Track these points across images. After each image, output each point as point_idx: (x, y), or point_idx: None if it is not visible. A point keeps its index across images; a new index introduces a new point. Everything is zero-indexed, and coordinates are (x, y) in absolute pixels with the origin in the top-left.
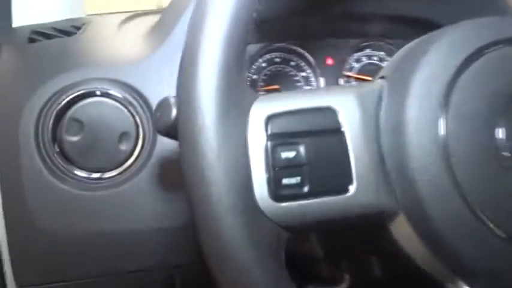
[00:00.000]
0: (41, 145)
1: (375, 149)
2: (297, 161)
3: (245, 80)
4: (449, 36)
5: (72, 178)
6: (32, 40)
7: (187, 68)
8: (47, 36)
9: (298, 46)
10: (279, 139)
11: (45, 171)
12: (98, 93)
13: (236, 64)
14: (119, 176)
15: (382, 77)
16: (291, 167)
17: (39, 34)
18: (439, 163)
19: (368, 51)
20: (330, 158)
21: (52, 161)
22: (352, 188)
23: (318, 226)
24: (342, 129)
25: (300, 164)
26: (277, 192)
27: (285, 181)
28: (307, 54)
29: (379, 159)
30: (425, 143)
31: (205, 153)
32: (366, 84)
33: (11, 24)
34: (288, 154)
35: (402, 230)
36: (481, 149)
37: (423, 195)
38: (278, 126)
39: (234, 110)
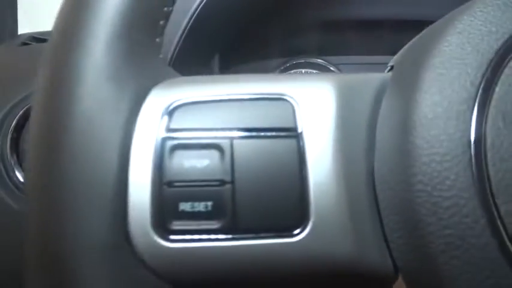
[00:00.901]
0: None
1: (357, 166)
2: (209, 174)
3: (148, 56)
4: (485, 8)
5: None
6: (24, 44)
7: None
8: (39, 41)
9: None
10: (183, 138)
11: None
12: None
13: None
14: None
15: (390, 68)
16: (197, 184)
17: (33, 39)
18: (470, 189)
19: None
20: (271, 175)
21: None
22: (305, 229)
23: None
24: (299, 130)
25: (215, 180)
26: (167, 224)
27: (184, 207)
28: (332, 68)
29: (365, 181)
30: (445, 154)
31: (57, 155)
32: (357, 74)
33: (16, 31)
34: (195, 163)
35: None
36: None
37: (447, 249)
38: (185, 119)
39: (116, 95)
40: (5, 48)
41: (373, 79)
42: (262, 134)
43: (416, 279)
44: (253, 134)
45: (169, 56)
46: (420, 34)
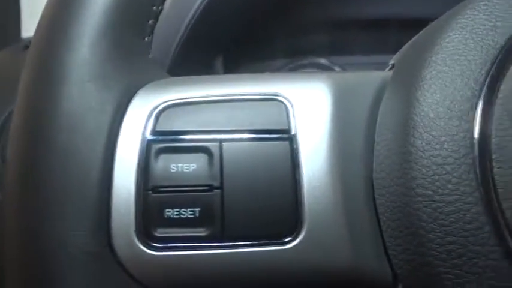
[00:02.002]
0: None
1: (355, 169)
2: (197, 179)
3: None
4: (490, 2)
5: None
6: (27, 47)
7: None
8: None
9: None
10: (169, 141)
11: None
12: None
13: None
14: None
15: (391, 67)
16: (184, 189)
17: None
18: (473, 193)
19: None
20: (263, 179)
21: None
22: (298, 236)
23: None
24: (292, 132)
25: (203, 185)
26: (151, 231)
27: (170, 213)
28: (337, 68)
29: (363, 186)
30: (447, 156)
31: (39, 153)
32: (355, 72)
33: (19, 34)
34: (182, 167)
35: None
36: None
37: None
38: (172, 121)
39: (101, 96)
40: (9, 51)
41: (373, 78)
42: (253, 136)
43: (418, 276)
44: (244, 136)
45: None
46: (422, 31)
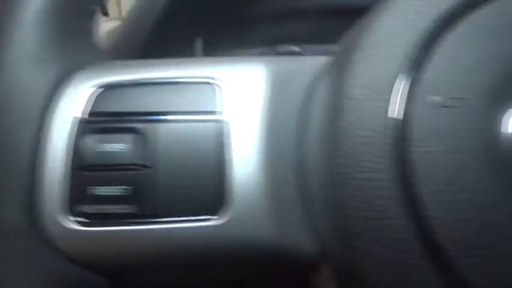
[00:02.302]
0: None
1: (287, 152)
2: (127, 159)
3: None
4: None
5: None
6: None
7: None
8: None
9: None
10: (102, 122)
11: None
12: None
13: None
14: None
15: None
16: (114, 168)
17: None
18: (389, 171)
19: None
20: (192, 159)
21: None
22: (225, 213)
23: (155, 274)
24: (223, 114)
25: (133, 164)
26: (81, 208)
27: (100, 191)
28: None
29: (294, 167)
30: (366, 136)
31: None
32: (297, 57)
33: None
34: (113, 147)
35: None
36: (468, 148)
37: (362, 239)
38: (105, 103)
39: (36, 78)
40: None
41: (312, 63)
42: (184, 117)
43: (338, 262)
44: (174, 117)
45: (143, 37)
46: (363, 16)
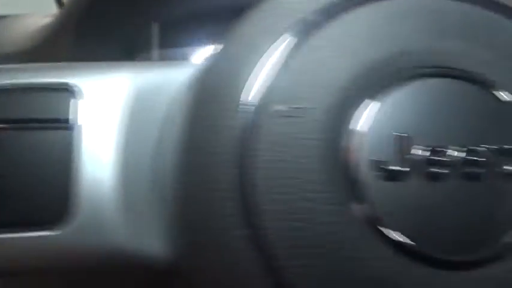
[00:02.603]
0: None
1: (144, 161)
2: None
3: None
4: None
5: None
6: None
7: None
8: None
9: None
10: None
11: None
12: None
13: None
14: None
15: None
16: None
17: None
18: (232, 181)
19: None
20: (37, 167)
21: None
22: (70, 222)
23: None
24: (74, 121)
25: None
26: None
27: None
28: None
29: (150, 177)
30: (211, 146)
31: None
32: (171, 62)
33: None
34: None
35: None
36: (304, 158)
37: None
38: None
39: None
40: None
41: (186, 68)
42: (29, 125)
43: (182, 271)
44: (18, 125)
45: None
46: None
